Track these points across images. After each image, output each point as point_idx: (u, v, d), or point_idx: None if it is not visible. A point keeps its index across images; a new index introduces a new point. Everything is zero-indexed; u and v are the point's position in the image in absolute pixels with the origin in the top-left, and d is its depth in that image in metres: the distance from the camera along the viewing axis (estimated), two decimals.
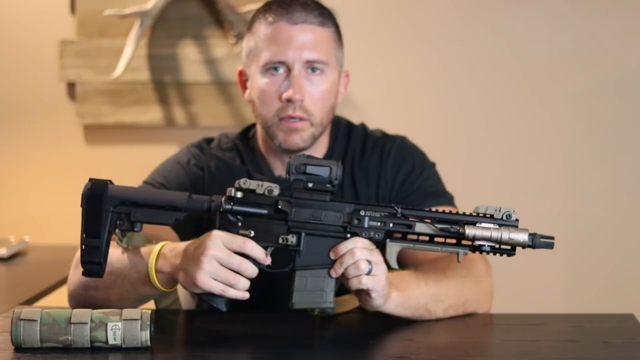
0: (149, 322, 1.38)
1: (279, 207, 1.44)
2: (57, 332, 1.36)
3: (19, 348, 1.37)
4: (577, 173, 2.77)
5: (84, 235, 1.43)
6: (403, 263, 1.64)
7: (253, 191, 1.44)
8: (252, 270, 1.43)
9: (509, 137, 2.78)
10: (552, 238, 1.41)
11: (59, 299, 1.92)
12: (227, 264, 1.42)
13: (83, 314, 1.38)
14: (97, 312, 1.38)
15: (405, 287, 1.54)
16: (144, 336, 1.37)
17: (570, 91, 2.75)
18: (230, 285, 1.42)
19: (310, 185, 1.44)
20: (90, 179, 1.46)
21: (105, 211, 1.43)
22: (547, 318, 1.63)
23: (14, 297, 1.94)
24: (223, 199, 1.44)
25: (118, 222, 1.44)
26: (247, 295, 1.44)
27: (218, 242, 1.42)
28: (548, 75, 2.75)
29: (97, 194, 1.44)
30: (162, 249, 1.51)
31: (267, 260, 1.44)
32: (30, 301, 1.92)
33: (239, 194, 1.44)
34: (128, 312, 1.38)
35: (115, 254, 1.55)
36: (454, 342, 1.53)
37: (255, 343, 1.47)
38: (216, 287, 1.42)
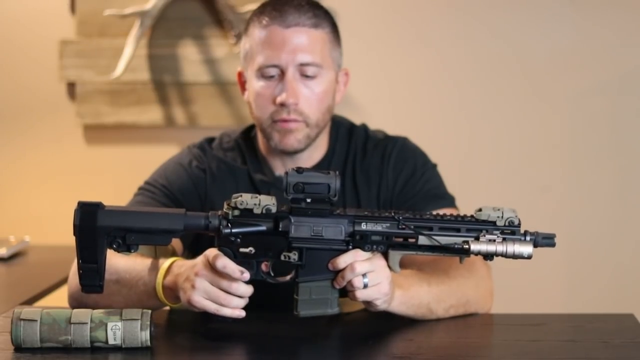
0: (149, 322, 1.38)
1: (280, 229, 1.41)
2: (57, 332, 1.36)
3: (19, 348, 1.37)
4: (577, 173, 2.77)
5: (80, 261, 1.39)
6: (403, 263, 1.64)
7: (250, 210, 1.41)
8: (244, 290, 1.42)
9: (509, 137, 2.78)
10: (553, 236, 1.41)
11: (59, 299, 1.92)
12: (216, 285, 1.42)
13: (83, 314, 1.38)
14: (97, 312, 1.38)
15: (408, 286, 1.54)
16: (144, 336, 1.37)
17: (571, 91, 2.75)
18: (223, 305, 1.42)
19: (309, 200, 1.41)
20: (79, 203, 1.39)
21: (100, 238, 1.38)
22: (547, 318, 1.63)
23: (14, 297, 1.94)
24: (219, 215, 1.42)
25: (114, 246, 1.40)
26: (242, 314, 1.43)
27: (207, 262, 1.43)
28: (548, 75, 2.75)
29: (89, 224, 1.37)
30: (172, 265, 1.51)
31: (245, 277, 1.41)
32: (30, 301, 1.92)
33: (236, 212, 1.41)
34: (128, 312, 1.38)
35: (123, 263, 1.55)
36: (455, 342, 1.53)
37: (256, 343, 1.48)
38: (210, 307, 1.42)
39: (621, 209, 2.77)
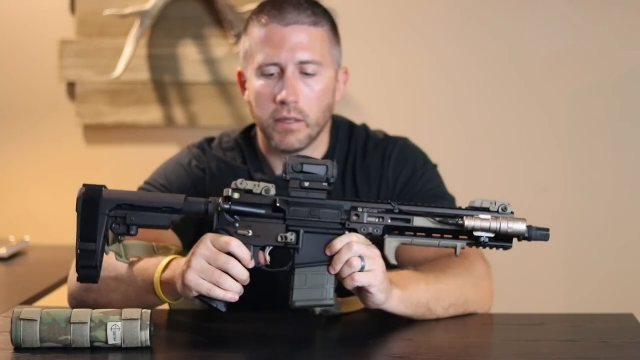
0: (149, 322, 1.38)
1: (277, 205, 1.44)
2: (57, 332, 1.37)
3: (19, 348, 1.37)
4: (577, 173, 2.77)
5: (80, 239, 1.42)
6: (401, 264, 1.64)
7: (250, 191, 1.45)
8: (239, 270, 1.42)
9: (508, 138, 2.78)
10: (548, 230, 1.42)
11: (59, 299, 1.92)
12: (214, 262, 1.42)
13: (83, 314, 1.38)
14: (97, 312, 1.38)
15: (406, 285, 1.54)
16: (144, 336, 1.37)
17: (569, 91, 2.75)
18: (217, 284, 1.42)
19: (307, 184, 1.44)
20: (84, 185, 1.45)
21: (101, 215, 1.42)
22: (547, 318, 1.63)
23: (14, 297, 1.94)
24: (220, 199, 1.44)
25: (114, 226, 1.43)
26: (235, 298, 1.43)
27: (207, 242, 1.43)
28: (547, 75, 2.75)
29: (93, 198, 1.43)
30: (171, 261, 1.52)
31: (252, 264, 1.43)
32: (30, 301, 1.92)
33: (236, 195, 1.44)
34: (128, 312, 1.38)
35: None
36: (454, 342, 1.53)
37: (255, 343, 1.48)
38: (204, 286, 1.42)
39: (621, 208, 2.77)
